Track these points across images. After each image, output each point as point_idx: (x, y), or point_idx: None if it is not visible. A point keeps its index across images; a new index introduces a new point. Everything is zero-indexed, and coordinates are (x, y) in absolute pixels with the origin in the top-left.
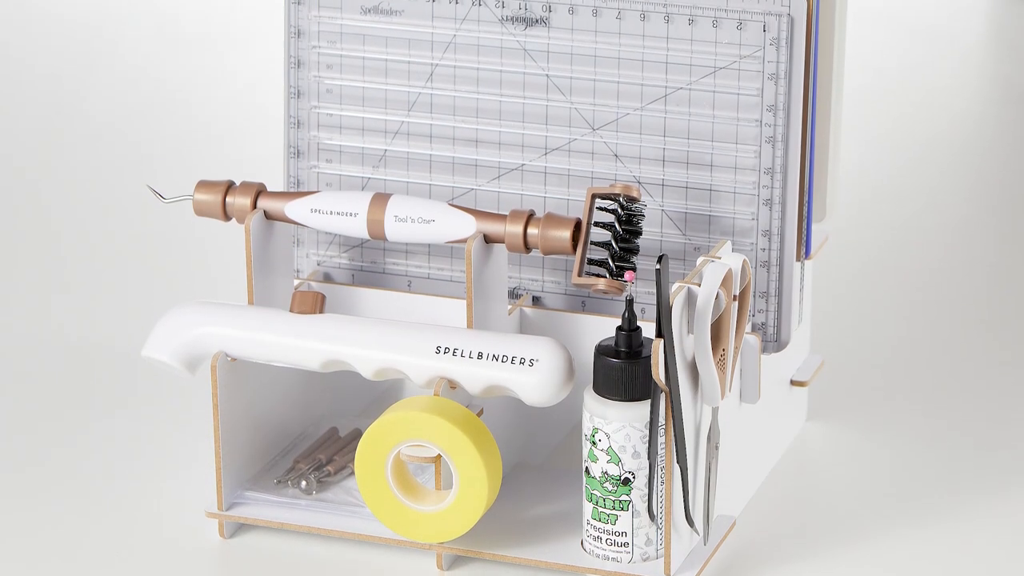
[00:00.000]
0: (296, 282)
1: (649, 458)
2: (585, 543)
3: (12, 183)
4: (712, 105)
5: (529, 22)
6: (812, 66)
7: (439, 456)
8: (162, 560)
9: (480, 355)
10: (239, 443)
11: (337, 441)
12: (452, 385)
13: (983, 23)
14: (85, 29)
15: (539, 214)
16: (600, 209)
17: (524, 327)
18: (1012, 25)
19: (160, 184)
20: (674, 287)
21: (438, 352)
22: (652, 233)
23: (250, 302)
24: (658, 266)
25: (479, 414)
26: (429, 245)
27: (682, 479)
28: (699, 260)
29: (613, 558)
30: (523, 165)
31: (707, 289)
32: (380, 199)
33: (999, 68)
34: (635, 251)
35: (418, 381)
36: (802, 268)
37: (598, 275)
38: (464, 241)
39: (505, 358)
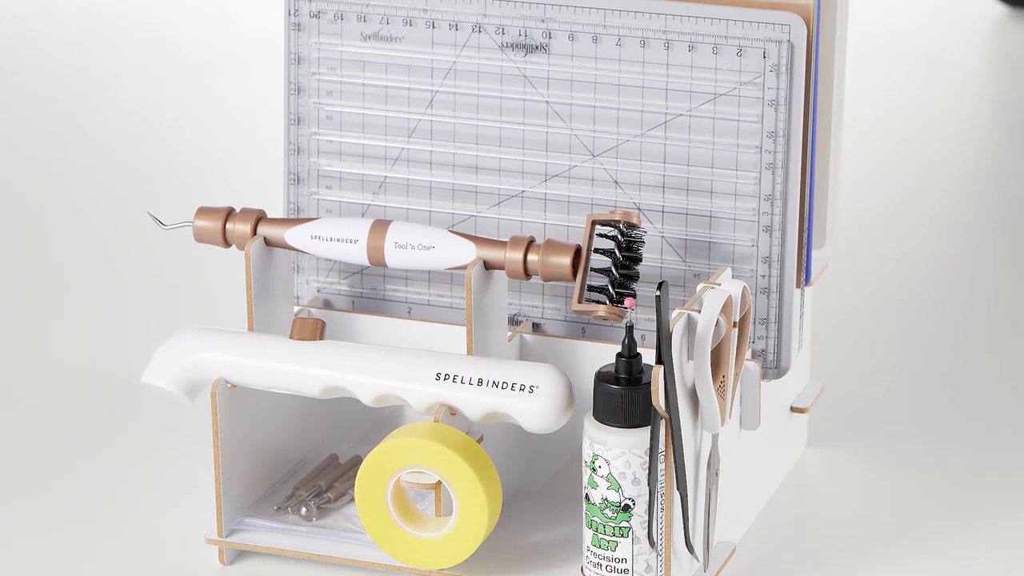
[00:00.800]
0: (296, 309)
1: (649, 485)
2: (585, 570)
3: (12, 209)
4: (712, 132)
5: (529, 49)
6: (812, 93)
7: (439, 483)
8: None
9: (480, 382)
10: (239, 469)
11: (337, 468)
12: (452, 412)
13: (983, 50)
14: (85, 55)
15: (539, 241)
16: (600, 236)
17: (524, 354)
18: (1012, 51)
19: (160, 211)
20: (674, 314)
21: (438, 379)
22: (652, 259)
23: (250, 329)
24: (658, 293)
25: (479, 441)
26: (429, 272)
27: (682, 506)
28: (699, 287)
29: None
30: (523, 192)
31: (707, 316)
32: (380, 226)
33: (999, 94)
34: (635, 278)
35: (418, 408)
36: (802, 295)
37: (598, 301)
38: (464, 268)
39: (505, 385)
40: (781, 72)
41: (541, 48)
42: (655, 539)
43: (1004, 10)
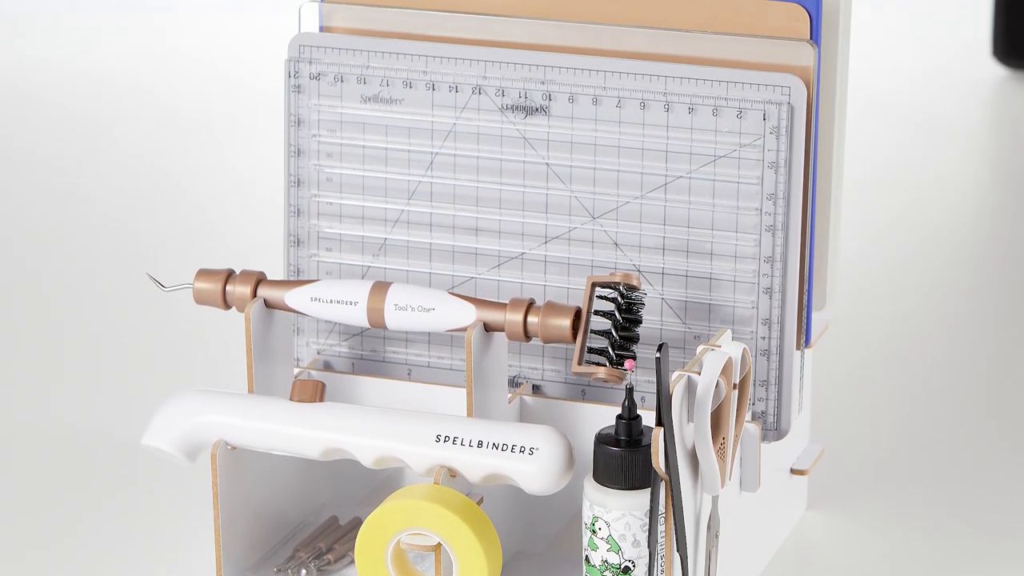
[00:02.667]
0: (296, 370)
1: (649, 547)
2: None
3: (13, 272)
4: (712, 193)
5: (529, 111)
6: (812, 154)
7: (439, 544)
8: None
9: (480, 444)
10: (239, 531)
11: (337, 529)
12: (452, 473)
13: (983, 112)
14: (86, 119)
15: (539, 303)
16: (600, 298)
17: (524, 415)
18: (1012, 113)
19: (160, 273)
20: (674, 375)
21: (438, 440)
22: (652, 321)
23: (250, 390)
24: (658, 354)
25: (479, 502)
26: (429, 333)
27: (682, 568)
28: (699, 348)
29: None
30: (523, 254)
31: (707, 378)
32: (380, 288)
33: (999, 156)
34: (635, 339)
35: (418, 469)
36: (802, 356)
37: (598, 363)
38: (464, 330)
39: (505, 447)
40: (781, 134)
41: (541, 110)
42: None
43: (1004, 72)
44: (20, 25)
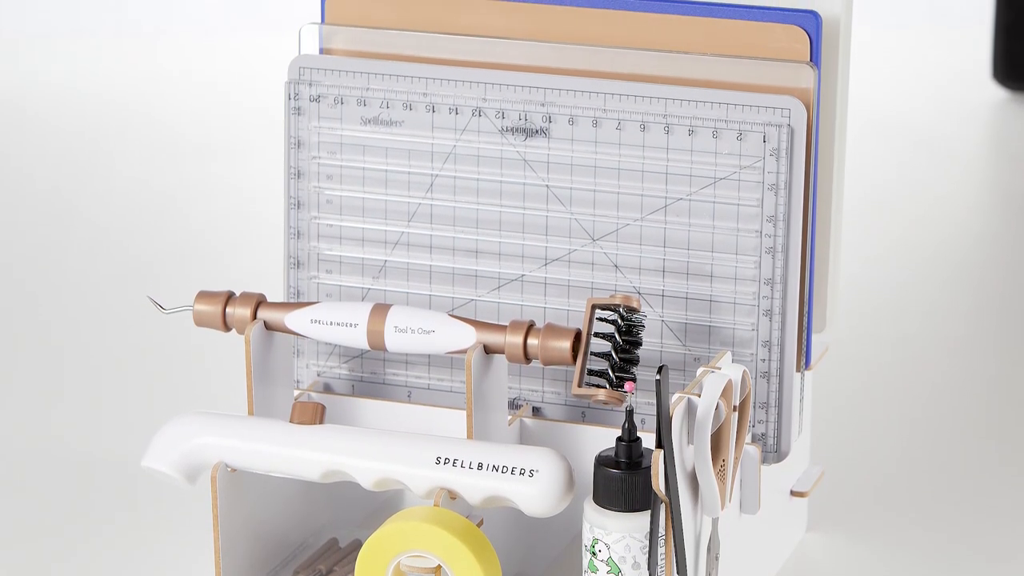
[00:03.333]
0: (296, 393)
1: (649, 569)
2: None
3: (12, 293)
4: (712, 215)
5: (529, 132)
6: (812, 177)
7: (439, 567)
8: None
9: (480, 466)
10: (239, 553)
11: (337, 552)
12: (452, 496)
13: (983, 134)
14: (85, 139)
15: (539, 325)
16: (600, 320)
17: (524, 438)
18: (1012, 136)
19: (160, 295)
20: (674, 397)
21: (438, 463)
22: (652, 343)
23: (250, 413)
24: (658, 376)
25: (479, 525)
26: (429, 356)
27: None
28: (699, 371)
29: None
30: (523, 276)
31: (707, 400)
32: (380, 310)
33: (999, 178)
34: (635, 361)
35: (418, 492)
36: (802, 379)
37: (598, 385)
38: (464, 352)
39: (505, 469)
40: (781, 156)
41: (541, 132)
42: None
43: (1004, 94)
44: (21, 46)
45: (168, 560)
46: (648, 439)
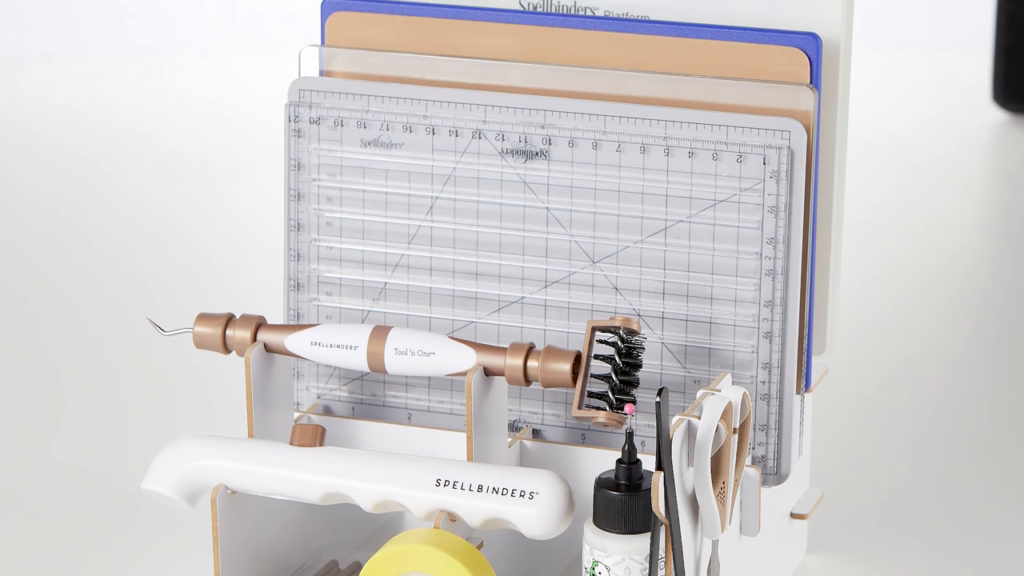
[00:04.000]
0: (296, 415)
1: None
2: None
3: (12, 313)
4: (712, 238)
5: (529, 155)
6: (812, 199)
7: None
8: None
9: (480, 488)
10: (239, 575)
11: (337, 574)
12: (452, 518)
13: (983, 156)
14: (86, 161)
15: (539, 347)
16: (600, 342)
17: (524, 460)
18: (1012, 158)
19: (160, 317)
20: (674, 420)
21: (438, 485)
22: (652, 366)
23: (250, 435)
24: (658, 399)
25: (479, 547)
26: (429, 378)
27: None
28: (699, 393)
29: None
30: (523, 298)
31: (707, 422)
32: (380, 332)
33: (1000, 201)
34: (635, 384)
35: (418, 514)
36: (802, 401)
37: (598, 408)
38: (464, 374)
39: (505, 491)
40: (781, 178)
41: (541, 154)
42: None
43: (1004, 116)
44: (21, 68)
45: None
46: (648, 461)
